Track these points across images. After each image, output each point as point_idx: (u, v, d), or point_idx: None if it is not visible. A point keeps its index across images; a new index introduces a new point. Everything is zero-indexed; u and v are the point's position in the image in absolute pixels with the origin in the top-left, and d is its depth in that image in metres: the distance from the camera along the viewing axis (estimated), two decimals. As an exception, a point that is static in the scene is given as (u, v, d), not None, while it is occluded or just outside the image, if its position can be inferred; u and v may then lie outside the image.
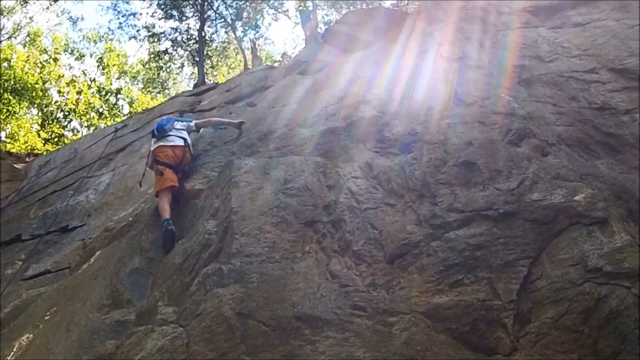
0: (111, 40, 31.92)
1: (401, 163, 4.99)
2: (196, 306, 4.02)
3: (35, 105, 27.47)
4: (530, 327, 3.52)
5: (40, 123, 27.99)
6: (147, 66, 30.41)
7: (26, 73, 25.99)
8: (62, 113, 28.57)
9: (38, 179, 13.69)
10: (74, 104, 28.41)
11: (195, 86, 19.97)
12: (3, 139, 26.58)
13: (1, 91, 23.95)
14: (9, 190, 13.82)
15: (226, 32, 27.07)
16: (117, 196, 9.90)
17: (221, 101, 12.80)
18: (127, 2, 30.00)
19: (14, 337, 6.09)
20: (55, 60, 28.93)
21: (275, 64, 23.71)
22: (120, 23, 27.56)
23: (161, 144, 6.68)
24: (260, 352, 3.53)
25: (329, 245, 4.30)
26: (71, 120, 29.02)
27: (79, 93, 28.68)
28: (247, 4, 24.70)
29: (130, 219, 7.35)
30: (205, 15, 24.32)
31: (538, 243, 3.93)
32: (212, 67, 29.80)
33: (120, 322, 4.80)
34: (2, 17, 26.43)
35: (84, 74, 30.40)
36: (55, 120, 28.19)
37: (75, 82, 29.15)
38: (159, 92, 32.23)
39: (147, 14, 33.80)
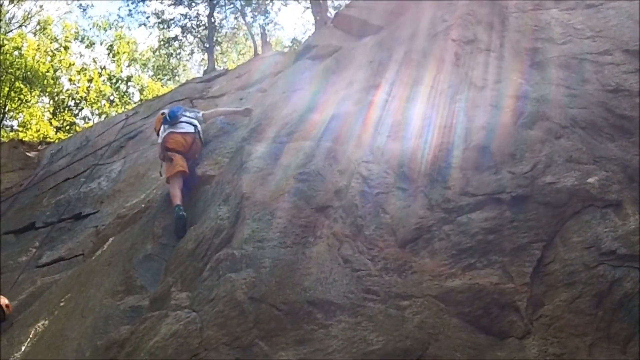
0: (121, 27, 32.01)
1: (412, 147, 4.96)
2: (209, 291, 4.05)
3: (47, 94, 27.58)
4: (543, 310, 3.50)
5: (51, 111, 28.17)
6: (157, 53, 30.43)
7: (37, 61, 26.03)
8: (73, 101, 28.75)
9: (50, 167, 13.80)
10: (85, 92, 28.53)
11: (205, 73, 19.99)
12: (15, 127, 26.81)
13: (13, 80, 24.04)
14: (22, 179, 13.97)
15: (236, 18, 26.99)
16: (129, 183, 9.97)
17: (231, 87, 12.79)
18: (137, -11, 29.93)
19: (30, 323, 6.18)
20: (66, 48, 28.97)
21: (285, 50, 23.64)
22: (130, 10, 27.54)
23: (172, 130, 6.70)
24: (273, 336, 3.55)
25: (340, 230, 4.29)
26: (82, 108, 29.23)
27: (89, 81, 28.80)
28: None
29: (143, 205, 7.40)
30: (215, 1, 24.26)
31: (551, 226, 3.89)
32: (222, 53, 29.80)
33: (134, 308, 4.86)
34: (12, 5, 26.51)
35: (95, 61, 30.58)
36: (66, 109, 28.38)
37: (85, 70, 29.26)
38: (169, 79, 32.27)
39: (157, 0, 33.70)
